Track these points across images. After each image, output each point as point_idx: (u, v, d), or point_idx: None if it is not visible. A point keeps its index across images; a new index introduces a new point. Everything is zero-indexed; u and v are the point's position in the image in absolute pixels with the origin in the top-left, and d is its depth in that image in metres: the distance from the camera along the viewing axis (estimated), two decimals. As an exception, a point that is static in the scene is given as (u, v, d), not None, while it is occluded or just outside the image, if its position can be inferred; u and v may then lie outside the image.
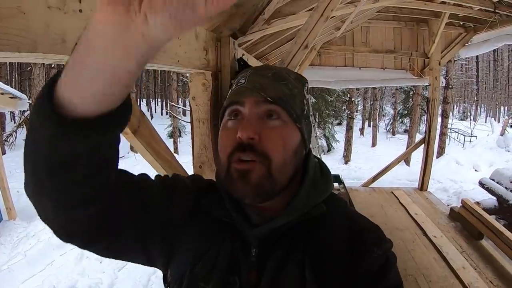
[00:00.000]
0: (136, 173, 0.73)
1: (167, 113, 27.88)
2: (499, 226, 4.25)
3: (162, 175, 0.81)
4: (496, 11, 4.59)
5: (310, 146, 0.79)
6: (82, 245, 0.63)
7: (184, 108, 22.29)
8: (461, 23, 5.84)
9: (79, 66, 0.40)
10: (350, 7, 3.10)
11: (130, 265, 5.09)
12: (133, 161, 12.95)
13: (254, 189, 0.65)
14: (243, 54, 2.11)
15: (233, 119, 0.70)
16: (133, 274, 4.88)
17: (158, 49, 0.39)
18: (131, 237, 0.66)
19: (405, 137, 17.88)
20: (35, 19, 0.63)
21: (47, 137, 0.44)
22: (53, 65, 12.72)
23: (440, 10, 5.07)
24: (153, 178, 0.76)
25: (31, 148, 0.48)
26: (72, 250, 5.53)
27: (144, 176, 0.73)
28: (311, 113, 0.76)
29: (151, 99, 37.17)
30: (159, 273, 3.49)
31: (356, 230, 0.71)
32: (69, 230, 0.60)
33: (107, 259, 4.00)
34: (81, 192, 0.52)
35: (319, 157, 0.87)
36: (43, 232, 6.23)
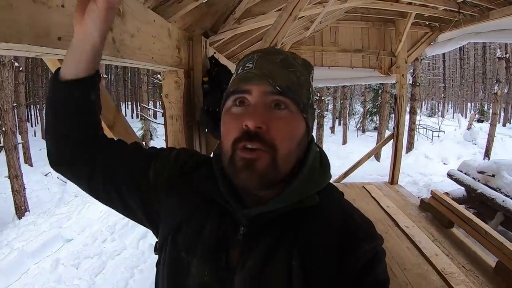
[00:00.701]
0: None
1: (137, 116, 27.43)
2: (469, 214, 4.45)
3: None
4: (460, 11, 4.76)
5: None
6: (68, 174, 0.84)
7: (155, 109, 21.98)
8: (427, 23, 6.04)
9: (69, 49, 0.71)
10: (319, 7, 3.17)
11: (107, 270, 5.02)
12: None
13: (259, 179, 0.65)
14: (214, 53, 2.14)
15: (238, 105, 0.69)
16: (110, 279, 4.80)
17: (98, 37, 0.69)
18: (106, 180, 0.81)
19: (375, 134, 18.24)
20: (22, 12, 0.67)
21: (51, 90, 0.75)
22: (21, 68, 12.32)
23: (406, 11, 5.21)
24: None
25: (46, 101, 0.79)
26: (47, 258, 5.40)
27: (128, 142, 0.90)
28: (316, 100, 0.76)
29: (121, 102, 36.31)
30: (137, 277, 3.47)
31: (349, 224, 0.70)
32: (60, 156, 0.81)
33: (82, 265, 3.95)
34: (66, 126, 0.76)
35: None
36: (16, 240, 6.06)
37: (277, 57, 0.70)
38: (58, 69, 0.73)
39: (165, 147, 0.92)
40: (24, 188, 8.29)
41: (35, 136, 21.16)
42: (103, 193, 0.82)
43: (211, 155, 0.81)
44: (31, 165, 12.88)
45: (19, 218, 7.81)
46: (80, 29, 0.68)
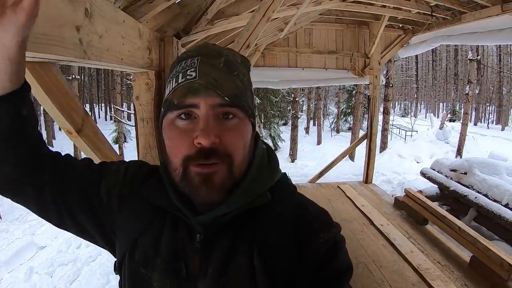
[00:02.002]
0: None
1: (111, 118, 26.96)
2: (442, 211, 4.58)
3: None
4: (433, 14, 4.90)
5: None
6: (15, 200, 0.77)
7: (129, 111, 21.65)
8: (400, 25, 6.16)
9: None
10: (293, 9, 3.19)
11: (82, 277, 4.91)
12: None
13: (218, 191, 0.64)
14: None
15: (184, 118, 0.65)
16: (86, 286, 4.70)
17: (17, 48, 0.60)
18: (56, 202, 0.75)
19: (349, 134, 18.53)
20: None
21: None
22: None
23: (380, 13, 5.30)
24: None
25: None
26: (20, 266, 5.25)
27: (81, 159, 0.86)
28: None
29: (94, 104, 35.42)
30: (113, 283, 3.39)
31: (304, 217, 0.70)
32: (4, 183, 0.74)
33: (57, 273, 3.82)
34: (5, 148, 0.68)
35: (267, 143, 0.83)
36: (-13, 250, 5.84)
37: (219, 60, 0.66)
38: None
39: (115, 161, 0.88)
40: (-5, 195, 7.98)
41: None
42: (54, 216, 0.77)
43: (159, 165, 0.78)
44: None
45: (-10, 225, 7.51)
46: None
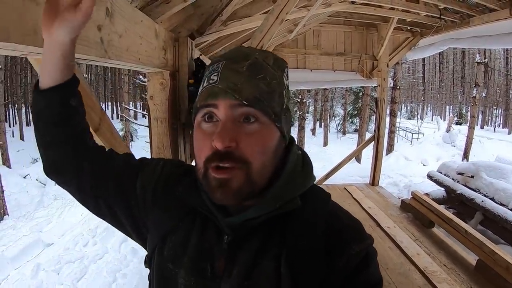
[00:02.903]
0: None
1: (118, 117, 27.07)
2: (449, 214, 4.56)
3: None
4: (442, 17, 4.87)
5: None
6: (58, 182, 0.85)
7: (136, 110, 21.73)
8: (408, 28, 6.14)
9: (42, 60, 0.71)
10: (303, 11, 3.20)
11: (89, 275, 4.92)
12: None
13: (234, 196, 0.64)
14: (200, 55, 2.14)
15: (207, 121, 0.66)
16: (93, 284, 4.71)
17: (70, 44, 0.69)
18: (94, 191, 0.81)
19: (355, 136, 18.48)
20: (10, 7, 0.64)
21: (32, 101, 0.76)
22: (0, 66, 11.95)
23: (389, 16, 5.29)
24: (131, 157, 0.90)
25: (31, 112, 0.78)
26: (27, 263, 5.28)
27: (122, 154, 0.90)
28: (290, 98, 0.69)
29: (101, 102, 35.63)
30: (120, 281, 3.42)
31: (336, 226, 0.68)
32: (49, 164, 0.82)
33: (64, 270, 3.87)
34: (50, 134, 0.78)
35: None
36: (-6, 246, 5.88)
37: (243, 64, 0.66)
38: (37, 83, 0.75)
39: (152, 158, 0.91)
40: (3, 191, 8.06)
41: (13, 136, 20.61)
42: (92, 204, 0.83)
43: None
44: (9, 166, 12.53)
45: (-3, 221, 7.59)
46: (49, 38, 0.67)
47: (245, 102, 0.63)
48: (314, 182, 0.76)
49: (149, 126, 1.88)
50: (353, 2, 4.58)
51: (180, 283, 0.70)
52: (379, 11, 4.95)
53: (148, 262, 0.79)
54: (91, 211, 0.85)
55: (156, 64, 1.58)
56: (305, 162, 0.77)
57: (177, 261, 0.71)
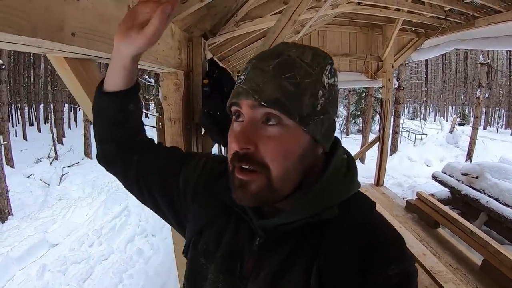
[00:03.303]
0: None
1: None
2: (454, 214, 4.59)
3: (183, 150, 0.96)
4: (447, 18, 4.87)
5: None
6: (108, 170, 0.92)
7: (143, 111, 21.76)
8: (413, 29, 6.14)
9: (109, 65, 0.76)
10: (312, 12, 3.21)
11: (95, 276, 4.93)
12: (89, 166, 12.50)
13: (252, 199, 0.63)
14: (214, 55, 2.15)
15: (237, 119, 0.66)
16: (99, 285, 4.71)
17: (131, 60, 0.73)
18: (139, 180, 0.87)
19: (358, 136, 18.43)
20: (37, 2, 0.61)
21: (95, 99, 0.82)
22: (3, 66, 11.94)
23: (394, 17, 5.29)
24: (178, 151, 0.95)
25: (92, 108, 0.84)
26: (33, 263, 5.28)
27: (168, 147, 0.97)
28: (333, 99, 0.61)
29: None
30: (126, 282, 3.43)
31: (376, 241, 0.63)
32: (102, 155, 0.90)
33: (69, 271, 3.89)
34: (106, 132, 0.85)
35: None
36: (0, 246, 5.89)
37: (270, 63, 0.62)
38: (102, 80, 0.80)
39: (198, 153, 0.96)
40: (7, 191, 8.05)
41: (16, 136, 20.65)
42: (136, 191, 0.89)
43: None
44: (12, 166, 12.55)
45: (2, 222, 7.58)
46: (115, 48, 0.72)
47: (263, 103, 0.60)
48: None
49: (162, 127, 1.88)
50: (359, 3, 4.57)
51: (209, 278, 0.71)
52: (385, 12, 4.95)
53: (185, 251, 0.81)
54: (136, 197, 0.92)
55: (172, 64, 1.58)
56: (350, 168, 0.71)
57: (209, 257, 0.73)
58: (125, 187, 0.92)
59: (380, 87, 6.64)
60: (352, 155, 0.76)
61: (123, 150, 0.87)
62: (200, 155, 0.91)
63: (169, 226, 0.96)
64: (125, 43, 0.69)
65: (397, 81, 12.98)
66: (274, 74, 0.61)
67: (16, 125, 25.31)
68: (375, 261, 0.61)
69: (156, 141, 0.96)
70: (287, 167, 0.62)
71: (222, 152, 7.09)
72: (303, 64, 0.63)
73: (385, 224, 0.69)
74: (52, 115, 18.04)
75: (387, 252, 0.63)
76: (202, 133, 2.08)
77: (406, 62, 10.18)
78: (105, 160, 0.90)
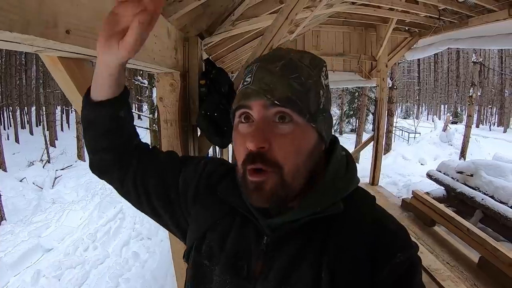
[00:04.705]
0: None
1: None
2: (450, 212, 4.61)
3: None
4: (441, 17, 4.87)
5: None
6: (103, 179, 0.88)
7: (135, 112, 21.70)
8: (407, 28, 6.14)
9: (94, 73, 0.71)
10: (307, 11, 3.20)
11: (91, 280, 4.88)
12: (82, 169, 12.38)
13: (268, 199, 0.64)
14: (210, 55, 2.12)
15: (244, 122, 0.67)
16: (94, 290, 4.68)
17: (116, 68, 0.67)
18: (136, 187, 0.84)
19: (352, 136, 18.51)
20: None
21: (83, 108, 0.76)
22: None
23: (388, 16, 5.29)
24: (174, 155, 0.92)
25: (81, 118, 0.80)
26: (27, 269, 5.22)
27: (165, 151, 0.93)
28: (329, 98, 0.66)
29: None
30: (122, 286, 3.41)
31: (381, 232, 0.66)
32: (97, 165, 0.85)
33: (65, 276, 3.85)
34: (99, 142, 0.80)
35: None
36: (-7, 252, 5.80)
37: (276, 64, 0.66)
38: (89, 89, 0.75)
39: (197, 156, 0.93)
40: (0, 195, 7.95)
41: (8, 139, 20.41)
42: (133, 197, 0.86)
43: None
44: (5, 170, 12.40)
45: (-5, 227, 7.49)
46: (99, 58, 0.66)
47: (277, 102, 0.63)
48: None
49: (159, 128, 1.86)
50: (353, 3, 4.57)
51: (215, 280, 0.70)
52: (379, 11, 4.94)
53: (186, 256, 0.80)
54: (132, 205, 0.89)
55: (168, 64, 1.56)
56: (349, 164, 0.75)
57: (214, 259, 0.72)
58: (120, 193, 0.89)
59: (373, 87, 6.64)
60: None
61: (119, 158, 0.83)
62: (199, 158, 0.90)
63: (165, 229, 0.94)
64: (106, 54, 0.63)
65: (391, 80, 13.04)
66: (282, 75, 0.65)
67: (8, 128, 25.01)
68: (382, 252, 0.64)
69: (150, 144, 0.94)
70: (298, 164, 0.65)
71: (217, 154, 7.05)
72: (304, 66, 0.68)
73: (387, 216, 0.72)
74: (44, 118, 17.86)
75: (392, 242, 0.66)
76: (198, 135, 2.06)
77: (399, 62, 10.24)
78: (99, 169, 0.86)
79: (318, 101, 0.68)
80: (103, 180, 0.89)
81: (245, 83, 0.67)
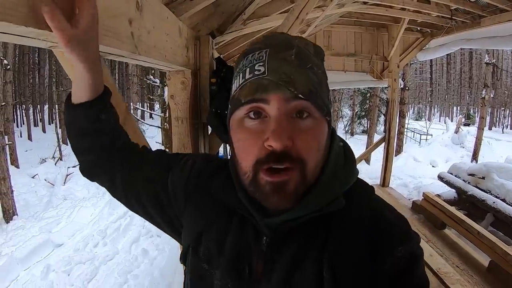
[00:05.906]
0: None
1: (125, 117, 27.23)
2: (461, 215, 4.56)
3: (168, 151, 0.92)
4: (453, 18, 4.83)
5: None
6: (93, 180, 0.88)
7: (143, 109, 21.84)
8: (418, 28, 6.09)
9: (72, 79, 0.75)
10: (318, 11, 3.20)
11: (100, 276, 4.94)
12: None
13: (291, 199, 0.60)
14: (220, 54, 2.13)
15: (254, 118, 0.60)
16: (104, 285, 4.72)
17: (84, 71, 0.68)
18: (126, 188, 0.83)
19: (363, 137, 18.33)
20: None
21: (65, 111, 0.78)
22: (9, 66, 11.97)
23: (400, 16, 5.26)
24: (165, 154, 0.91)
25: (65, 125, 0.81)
26: (37, 264, 5.30)
27: (154, 151, 0.92)
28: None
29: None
30: (131, 283, 3.44)
31: (381, 225, 0.64)
32: (83, 167, 0.86)
33: (74, 271, 3.90)
34: (80, 143, 0.81)
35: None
36: (5, 245, 5.92)
37: (290, 52, 0.59)
38: (70, 93, 0.77)
39: (185, 153, 0.91)
40: (12, 191, 8.07)
41: (21, 136, 20.72)
42: (124, 199, 0.86)
43: (228, 161, 0.74)
44: (17, 166, 12.60)
45: (7, 222, 7.59)
46: (68, 58, 0.69)
47: (301, 96, 0.57)
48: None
49: (169, 126, 1.87)
50: (365, 3, 4.55)
51: (216, 284, 0.67)
52: (391, 11, 4.92)
53: (182, 258, 0.78)
54: (122, 203, 0.88)
55: (180, 62, 1.57)
56: (347, 156, 0.71)
57: (213, 262, 0.68)
58: (112, 195, 0.89)
59: (385, 87, 6.59)
60: (358, 156, 0.75)
61: (103, 160, 0.83)
62: (186, 156, 0.85)
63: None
64: (72, 54, 0.64)
65: (403, 81, 12.92)
66: (299, 64, 0.59)
67: (21, 126, 25.38)
68: (382, 245, 0.61)
69: (140, 146, 0.92)
70: (318, 158, 0.62)
71: (228, 152, 7.07)
72: (311, 55, 0.63)
73: (386, 207, 0.69)
74: (57, 116, 18.08)
75: (392, 234, 0.63)
76: (209, 133, 2.07)
77: (411, 62, 10.14)
78: (87, 171, 0.87)
79: (328, 92, 0.66)
80: (97, 183, 0.89)
81: (256, 73, 0.59)
